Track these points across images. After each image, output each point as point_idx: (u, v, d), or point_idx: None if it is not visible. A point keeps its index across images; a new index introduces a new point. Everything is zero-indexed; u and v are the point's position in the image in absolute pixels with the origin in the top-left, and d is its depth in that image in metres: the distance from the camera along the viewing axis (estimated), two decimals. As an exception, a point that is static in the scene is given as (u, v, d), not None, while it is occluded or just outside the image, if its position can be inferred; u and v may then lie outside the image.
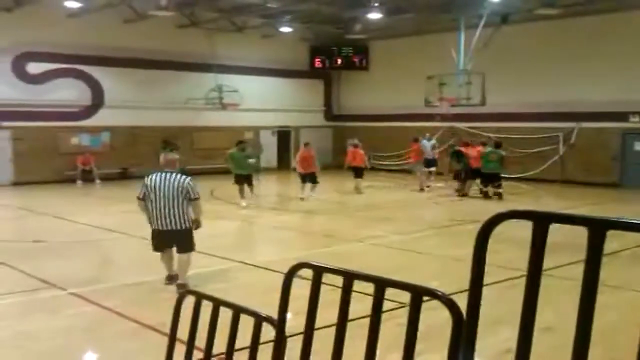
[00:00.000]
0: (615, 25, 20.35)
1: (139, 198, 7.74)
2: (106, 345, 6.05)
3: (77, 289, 7.91)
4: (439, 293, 2.10)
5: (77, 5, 19.58)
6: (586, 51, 20.96)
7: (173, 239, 7.73)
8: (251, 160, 16.42)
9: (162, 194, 7.54)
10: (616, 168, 21.03)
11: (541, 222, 1.75)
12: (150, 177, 7.73)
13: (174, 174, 7.70)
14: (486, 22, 20.61)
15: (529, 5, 20.00)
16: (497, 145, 17.71)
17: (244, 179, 16.15)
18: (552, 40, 21.75)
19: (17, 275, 8.74)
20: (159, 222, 7.61)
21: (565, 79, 21.58)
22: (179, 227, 7.61)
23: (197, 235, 7.97)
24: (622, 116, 20.56)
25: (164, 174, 7.68)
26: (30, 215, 15.29)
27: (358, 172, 18.89)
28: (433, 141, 21.10)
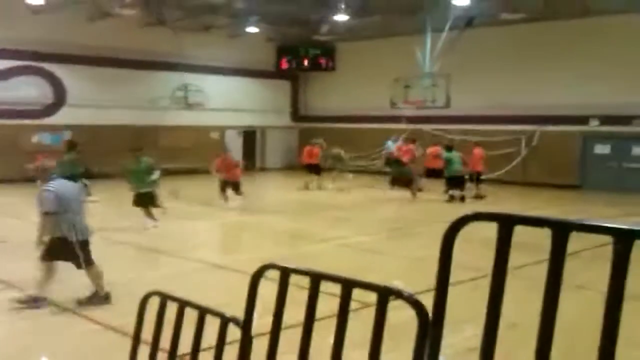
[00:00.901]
0: (578, 31, 20.79)
1: (48, 213, 6.79)
2: (69, 347, 5.95)
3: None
4: (405, 294, 2.12)
5: (40, 2, 19.15)
6: (549, 55, 21.37)
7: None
8: (154, 176, 12.38)
9: (77, 202, 7.16)
10: (577, 170, 21.49)
11: (506, 224, 1.78)
12: (56, 186, 7.00)
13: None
14: (452, 26, 20.87)
15: (494, 9, 20.29)
16: (450, 148, 17.69)
17: (146, 200, 12.34)
18: (517, 44, 22.12)
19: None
20: (84, 232, 7.10)
21: (528, 82, 21.96)
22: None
23: (163, 234, 7.89)
24: (583, 120, 21.02)
25: (64, 181, 7.27)
26: None
27: (315, 170, 19.56)
28: (399, 142, 21.24)
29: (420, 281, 5.72)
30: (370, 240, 11.93)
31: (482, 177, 18.60)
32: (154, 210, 12.39)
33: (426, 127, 23.94)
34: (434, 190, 17.82)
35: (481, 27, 21.80)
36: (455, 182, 17.17)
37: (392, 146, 20.75)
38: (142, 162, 12.37)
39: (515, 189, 20.72)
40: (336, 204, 17.32)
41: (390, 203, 17.49)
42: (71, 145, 16.11)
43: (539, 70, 21.65)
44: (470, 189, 17.69)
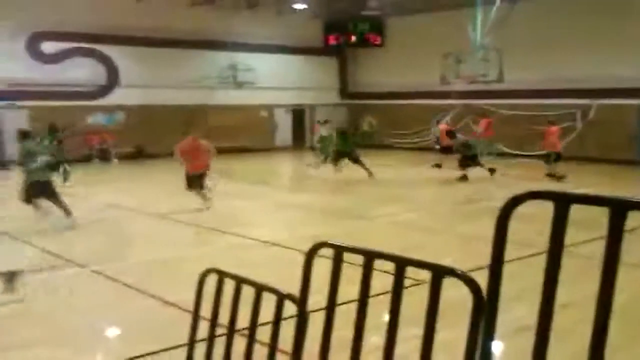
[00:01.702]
0: (636, 0, 20.00)
1: None
2: (129, 322, 6.17)
3: (97, 266, 8.04)
4: (459, 272, 2.14)
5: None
6: (604, 26, 20.62)
7: None
8: (42, 159, 10.49)
9: None
10: (636, 145, 20.80)
11: (562, 202, 1.77)
12: None
13: None
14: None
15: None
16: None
17: (39, 190, 10.39)
18: (570, 15, 21.42)
19: (37, 252, 8.89)
20: None
21: (583, 55, 21.28)
22: None
23: (212, 214, 8.02)
24: (641, 92, 20.31)
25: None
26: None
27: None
28: (446, 119, 20.76)
29: (472, 259, 5.71)
30: (419, 217, 11.89)
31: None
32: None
33: (477, 102, 23.54)
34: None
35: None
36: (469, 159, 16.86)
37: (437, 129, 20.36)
38: (32, 143, 11.16)
39: (571, 165, 20.22)
40: (383, 180, 17.22)
41: (439, 181, 17.34)
42: (51, 129, 15.95)
43: (594, 42, 20.93)
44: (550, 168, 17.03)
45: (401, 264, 2.35)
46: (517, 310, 4.96)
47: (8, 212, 11.79)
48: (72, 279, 7.64)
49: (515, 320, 4.92)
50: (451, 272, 2.16)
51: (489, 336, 1.95)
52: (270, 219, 12.17)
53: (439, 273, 2.20)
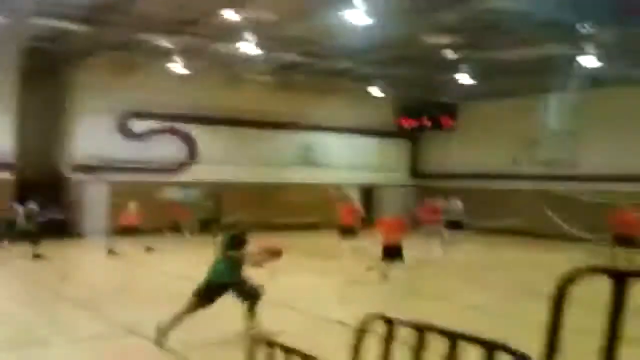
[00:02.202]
0: None
1: None
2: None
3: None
4: (512, 348, 2.10)
5: (183, 71, 20.60)
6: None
7: None
8: None
9: None
10: None
11: (619, 279, 1.73)
12: None
13: None
14: (578, 85, 20.21)
15: (622, 69, 19.45)
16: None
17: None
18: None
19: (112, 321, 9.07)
20: None
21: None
22: None
23: (285, 290, 7.90)
24: None
25: None
26: (128, 265, 15.96)
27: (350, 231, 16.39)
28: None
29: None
30: (492, 302, 11.53)
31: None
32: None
33: (552, 186, 23.05)
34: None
35: (609, 86, 20.95)
36: None
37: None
38: None
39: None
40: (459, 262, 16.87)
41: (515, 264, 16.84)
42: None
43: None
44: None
45: (453, 338, 2.33)
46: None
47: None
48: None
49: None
50: (503, 347, 2.13)
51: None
52: (339, 296, 12.06)
53: (490, 349, 2.17)
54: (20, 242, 16.50)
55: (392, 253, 12.57)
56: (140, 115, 22.88)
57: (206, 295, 7.95)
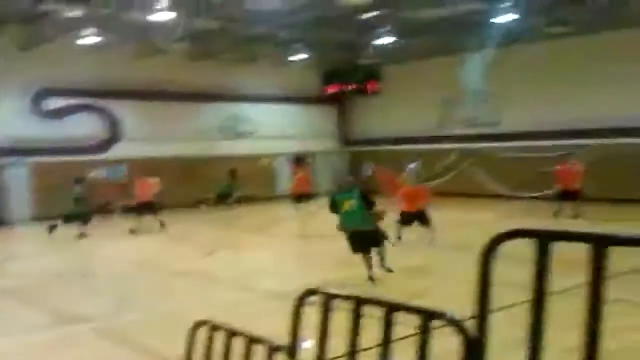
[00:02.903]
0: (630, 42, 20.26)
1: None
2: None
3: (94, 323, 7.92)
4: (447, 315, 2.09)
5: (92, 41, 19.83)
6: (600, 68, 20.87)
7: None
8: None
9: None
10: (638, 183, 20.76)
11: (543, 240, 1.74)
12: None
13: None
14: (498, 42, 20.66)
15: (540, 24, 19.99)
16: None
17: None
18: (565, 58, 21.70)
19: (43, 311, 8.79)
20: None
21: (579, 95, 21.49)
22: None
23: (221, 265, 7.96)
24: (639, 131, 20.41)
25: None
26: (55, 250, 15.42)
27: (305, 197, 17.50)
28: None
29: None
30: (425, 262, 11.76)
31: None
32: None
33: (475, 146, 23.66)
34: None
35: (527, 43, 21.52)
36: None
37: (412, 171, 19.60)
38: None
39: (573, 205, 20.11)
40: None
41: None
42: (77, 180, 17.36)
43: (590, 84, 21.16)
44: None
45: (390, 309, 2.30)
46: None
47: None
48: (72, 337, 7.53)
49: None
50: (439, 315, 2.12)
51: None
52: (277, 268, 12.07)
53: (427, 317, 2.15)
54: None
55: (411, 219, 13.45)
56: (54, 92, 21.90)
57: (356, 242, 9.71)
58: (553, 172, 17.48)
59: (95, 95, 22.67)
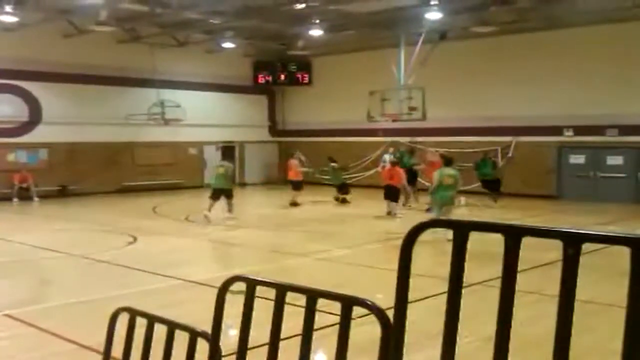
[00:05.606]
0: (549, 43, 21.11)
1: None
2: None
3: (13, 310, 7.65)
4: (369, 303, 2.14)
5: (13, 19, 18.95)
6: (522, 67, 21.67)
7: None
8: None
9: None
10: (553, 180, 21.72)
11: (461, 230, 1.81)
12: None
13: None
14: (425, 39, 21.12)
15: (466, 23, 20.57)
16: (449, 162, 14.03)
17: None
18: (489, 56, 22.42)
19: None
20: None
21: (502, 94, 22.26)
22: None
23: (140, 254, 7.84)
24: (558, 130, 21.32)
25: None
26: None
27: (296, 185, 19.67)
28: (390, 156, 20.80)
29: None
30: (352, 253, 11.91)
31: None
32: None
33: (402, 140, 24.13)
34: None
35: (454, 40, 22.09)
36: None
37: (387, 160, 20.27)
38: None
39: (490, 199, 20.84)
40: (314, 217, 17.29)
41: (366, 216, 17.50)
42: None
43: (512, 82, 21.96)
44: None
45: (312, 296, 2.34)
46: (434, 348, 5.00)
47: None
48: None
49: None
50: (360, 302, 2.17)
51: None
52: (201, 257, 11.95)
53: (348, 304, 2.20)
54: None
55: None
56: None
57: None
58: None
59: (15, 76, 21.71)
